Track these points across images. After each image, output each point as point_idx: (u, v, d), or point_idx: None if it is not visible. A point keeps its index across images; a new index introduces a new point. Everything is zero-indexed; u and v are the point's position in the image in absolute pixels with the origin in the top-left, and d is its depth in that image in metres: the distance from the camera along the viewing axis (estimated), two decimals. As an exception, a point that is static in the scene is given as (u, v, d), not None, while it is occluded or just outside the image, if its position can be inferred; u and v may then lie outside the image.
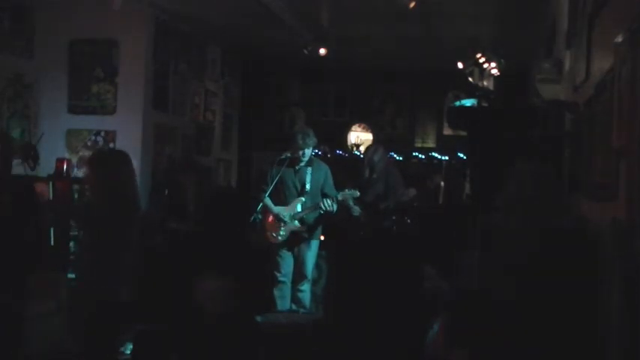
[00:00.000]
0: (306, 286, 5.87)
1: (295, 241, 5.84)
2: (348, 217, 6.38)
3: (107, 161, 4.04)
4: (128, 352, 4.46)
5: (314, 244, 5.91)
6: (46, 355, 4.42)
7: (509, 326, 2.82)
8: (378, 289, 5.35)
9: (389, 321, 4.72)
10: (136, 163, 6.56)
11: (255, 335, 3.81)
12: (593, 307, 2.76)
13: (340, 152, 9.45)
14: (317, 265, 6.31)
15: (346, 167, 8.00)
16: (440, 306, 4.09)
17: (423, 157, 9.45)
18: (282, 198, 5.83)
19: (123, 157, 4.05)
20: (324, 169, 5.96)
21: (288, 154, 5.86)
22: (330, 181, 5.93)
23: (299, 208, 5.78)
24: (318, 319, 5.56)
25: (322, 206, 5.72)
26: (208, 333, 3.45)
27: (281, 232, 5.77)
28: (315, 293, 6.23)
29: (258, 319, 4.82)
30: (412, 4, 5.70)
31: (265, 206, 5.80)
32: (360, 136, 9.82)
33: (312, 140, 5.80)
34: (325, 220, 5.97)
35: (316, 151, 7.48)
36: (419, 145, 9.79)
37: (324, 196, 5.80)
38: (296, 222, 5.77)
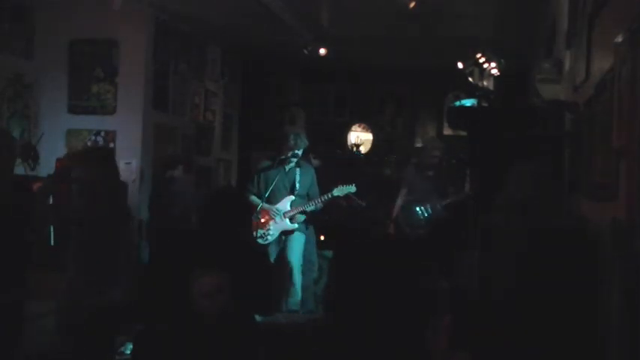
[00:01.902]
0: (295, 281, 5.91)
1: (280, 240, 5.95)
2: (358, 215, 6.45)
3: (101, 159, 4.04)
4: (128, 352, 4.46)
5: (297, 243, 5.97)
6: (46, 355, 4.41)
7: (509, 326, 2.82)
8: (378, 289, 5.35)
9: (389, 321, 4.71)
10: (135, 163, 6.66)
11: (255, 335, 3.81)
12: (592, 307, 2.76)
13: (340, 152, 9.44)
14: (317, 265, 6.34)
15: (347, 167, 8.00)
16: (440, 306, 4.09)
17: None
18: (271, 199, 5.94)
19: (111, 155, 4.05)
20: (311, 171, 6.15)
21: (275, 159, 6.02)
22: (315, 183, 6.11)
23: (289, 207, 5.89)
24: (318, 319, 5.56)
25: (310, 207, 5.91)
26: (208, 333, 3.45)
27: (270, 231, 5.88)
28: (315, 293, 6.24)
29: (258, 319, 4.82)
30: (412, 4, 5.70)
31: (261, 208, 5.93)
32: (360, 136, 9.81)
33: (304, 142, 5.94)
34: (328, 220, 6.10)
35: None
36: (419, 145, 9.78)
37: (309, 197, 5.96)
38: (287, 221, 5.88)
